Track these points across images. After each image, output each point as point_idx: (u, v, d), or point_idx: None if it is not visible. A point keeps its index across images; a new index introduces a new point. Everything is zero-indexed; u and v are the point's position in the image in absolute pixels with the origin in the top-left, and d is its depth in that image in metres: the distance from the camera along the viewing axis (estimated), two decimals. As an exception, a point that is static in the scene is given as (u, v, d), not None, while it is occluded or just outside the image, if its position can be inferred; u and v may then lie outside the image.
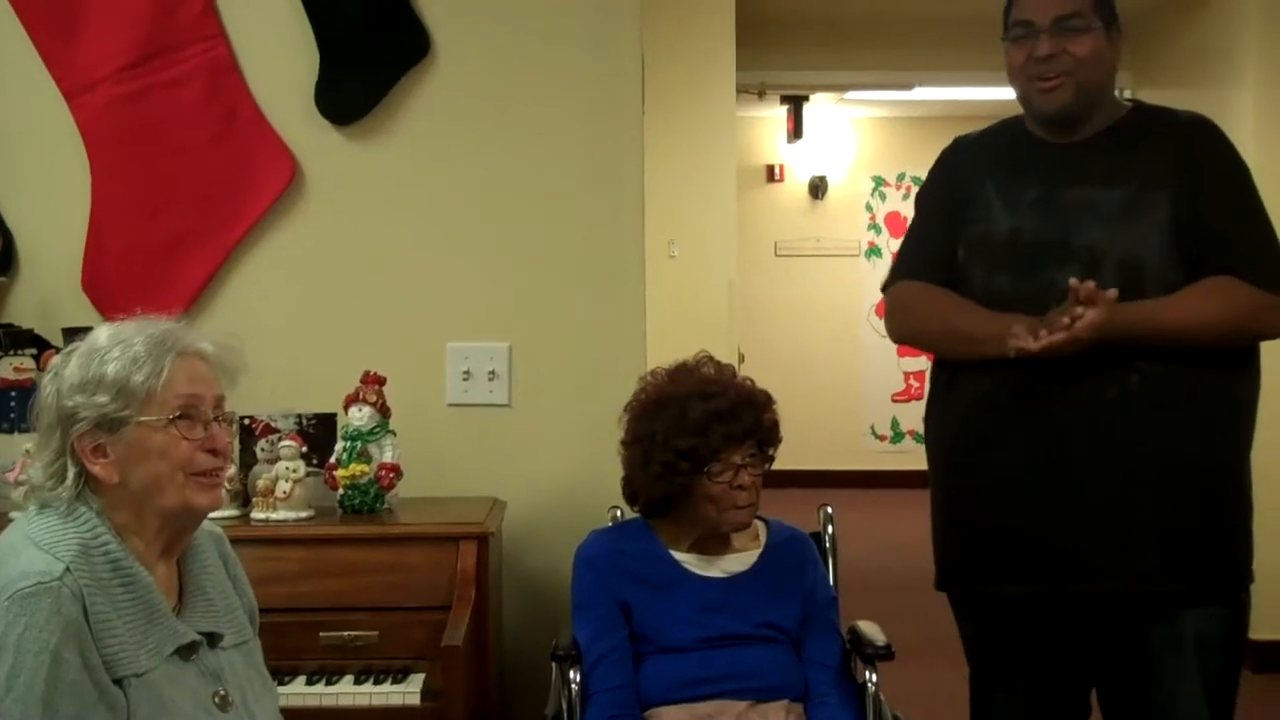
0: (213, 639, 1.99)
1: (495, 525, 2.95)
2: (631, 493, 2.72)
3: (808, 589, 2.70)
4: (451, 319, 3.29)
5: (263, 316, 3.23)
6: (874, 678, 2.63)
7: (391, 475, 2.96)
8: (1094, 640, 2.54)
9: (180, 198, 3.24)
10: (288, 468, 2.90)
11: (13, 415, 3.11)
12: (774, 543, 2.74)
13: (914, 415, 9.80)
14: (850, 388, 10.41)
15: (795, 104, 9.48)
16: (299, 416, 3.07)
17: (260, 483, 2.91)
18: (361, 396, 2.99)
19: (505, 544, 3.15)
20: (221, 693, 1.96)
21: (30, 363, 3.11)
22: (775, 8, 6.84)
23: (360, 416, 2.97)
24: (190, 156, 3.23)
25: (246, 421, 3.02)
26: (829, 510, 2.96)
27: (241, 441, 3.01)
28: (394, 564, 2.77)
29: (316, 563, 2.77)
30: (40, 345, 3.15)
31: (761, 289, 9.95)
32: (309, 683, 2.64)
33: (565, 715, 2.59)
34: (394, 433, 3.00)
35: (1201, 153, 2.52)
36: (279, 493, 2.88)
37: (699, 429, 2.57)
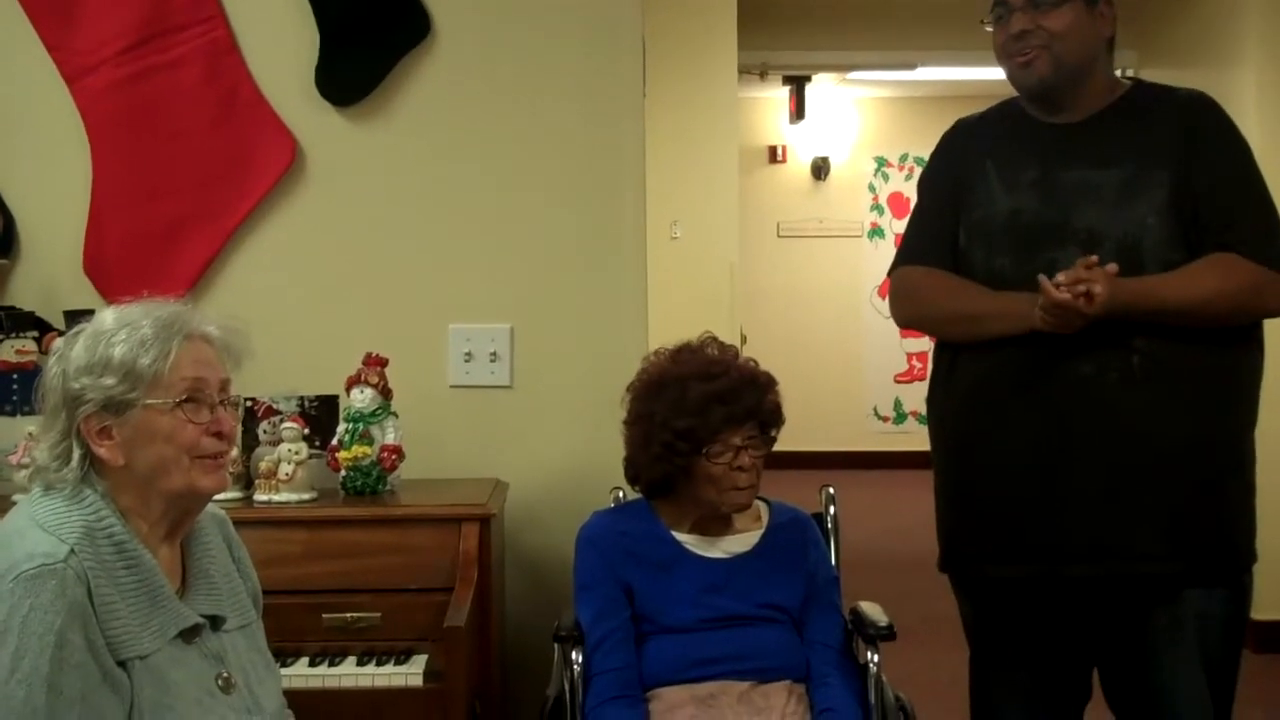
0: (216, 622, 2.00)
1: (497, 507, 2.95)
2: (633, 473, 2.73)
3: (810, 570, 2.71)
4: (453, 301, 3.29)
5: (264, 298, 3.23)
6: (875, 658, 2.63)
7: (394, 457, 2.96)
8: (1095, 621, 2.55)
9: (181, 180, 3.24)
10: (290, 450, 2.90)
11: (14, 398, 3.11)
12: (776, 523, 2.74)
13: (916, 396, 9.80)
14: (853, 369, 10.41)
15: (797, 84, 9.46)
16: (301, 398, 3.07)
17: (263, 465, 2.91)
18: (363, 378, 2.99)
19: (507, 525, 3.15)
20: (224, 675, 1.97)
21: (31, 345, 3.11)
22: (777, -12, 6.83)
23: (362, 398, 2.97)
24: (191, 139, 3.23)
25: (249, 403, 3.02)
26: (831, 491, 2.96)
27: (244, 424, 3.01)
28: (396, 545, 2.77)
29: (319, 544, 2.77)
30: (42, 328, 3.15)
31: (764, 270, 9.95)
32: (312, 664, 2.64)
33: (567, 696, 2.60)
34: (396, 414, 3.00)
35: (1202, 130, 2.51)
36: (281, 475, 2.88)
37: (698, 410, 2.57)
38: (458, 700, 2.59)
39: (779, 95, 9.74)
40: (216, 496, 2.06)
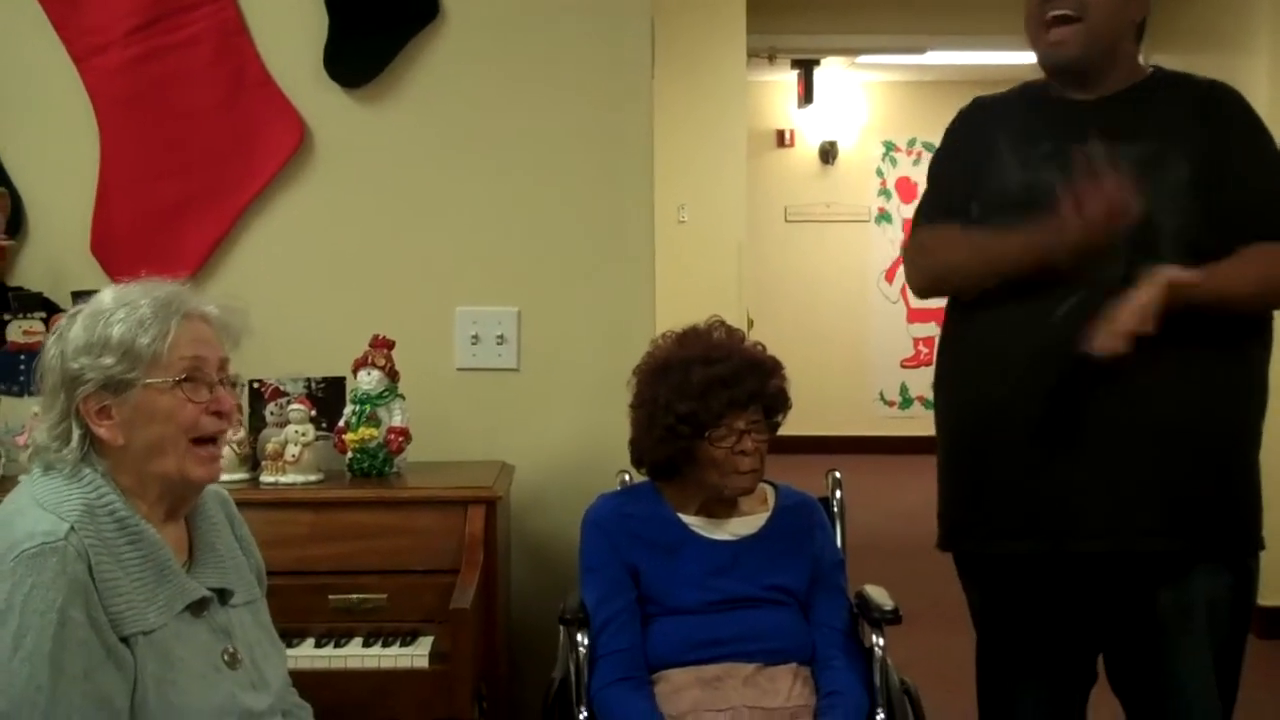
0: (223, 595, 2.01)
1: (504, 489, 2.95)
2: (638, 456, 2.73)
3: (816, 553, 2.71)
4: (460, 283, 3.28)
5: (271, 280, 3.23)
6: (881, 642, 2.64)
7: (400, 439, 2.97)
8: (1101, 604, 2.54)
9: (189, 161, 3.23)
10: (297, 431, 2.90)
11: (22, 378, 3.12)
12: (782, 507, 2.75)
13: (923, 381, 9.80)
14: (859, 353, 10.41)
15: (806, 68, 9.45)
16: (308, 380, 3.07)
17: (269, 446, 2.91)
18: (370, 360, 2.99)
19: (514, 508, 3.16)
20: (231, 650, 1.97)
21: (39, 326, 3.11)
22: (786, -29, 6.81)
23: (369, 380, 2.98)
24: (199, 119, 3.23)
25: (256, 385, 3.03)
26: (837, 475, 2.96)
27: (251, 405, 3.02)
28: (403, 527, 2.78)
29: (325, 526, 2.78)
30: (49, 308, 3.15)
31: (771, 254, 9.94)
32: (318, 645, 2.65)
33: (573, 677, 2.60)
34: (403, 396, 3.01)
35: (1231, 120, 2.51)
36: (288, 456, 2.89)
37: (699, 394, 2.57)
38: (463, 682, 2.60)
39: (787, 79, 9.72)
40: (224, 477, 2.07)
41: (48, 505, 1.85)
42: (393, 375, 3.00)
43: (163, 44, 3.21)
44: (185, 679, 1.88)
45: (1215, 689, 2.50)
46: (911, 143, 10.31)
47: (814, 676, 2.61)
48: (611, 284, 3.28)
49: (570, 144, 3.27)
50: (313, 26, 3.23)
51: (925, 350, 10.16)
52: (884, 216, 10.43)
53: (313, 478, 2.90)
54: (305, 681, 2.24)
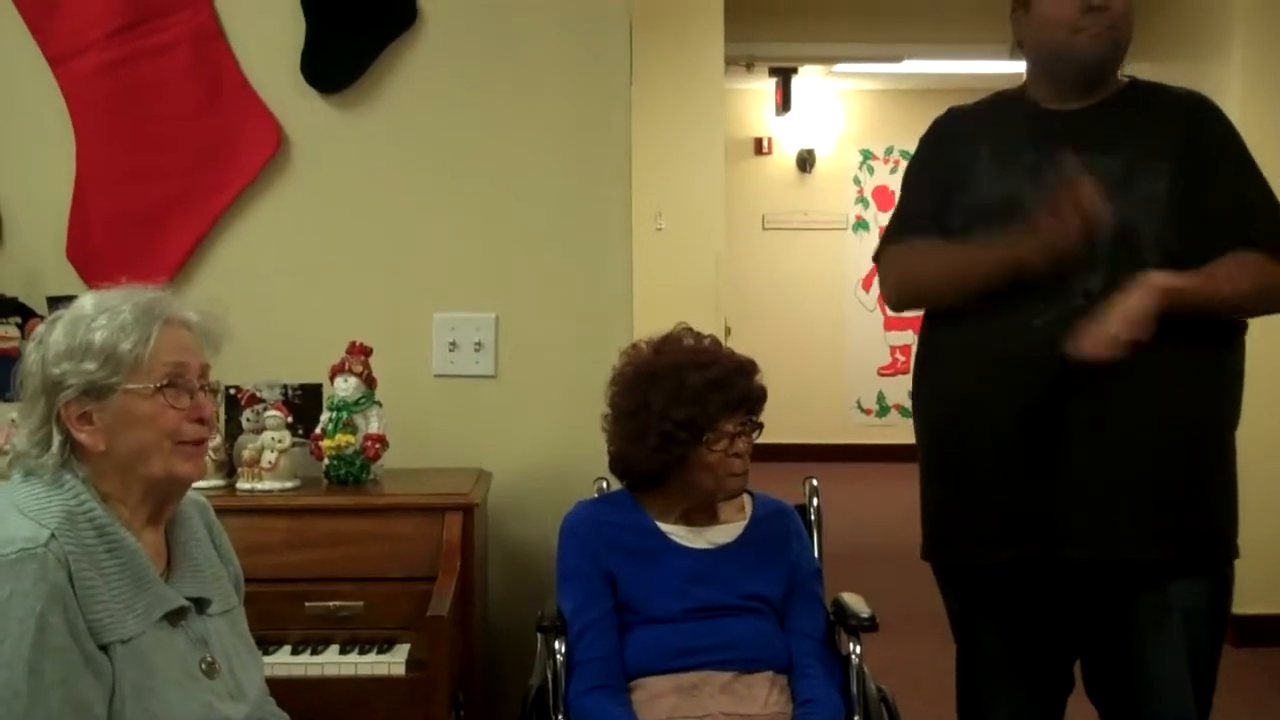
0: (200, 605, 2.00)
1: (481, 496, 2.95)
2: (624, 467, 2.72)
3: (792, 561, 2.71)
4: (438, 290, 3.28)
5: (248, 286, 3.22)
6: (858, 649, 2.64)
7: (377, 446, 2.96)
8: (1081, 611, 2.55)
9: (166, 165, 3.22)
10: (273, 438, 2.90)
11: (-3, 384, 3.10)
12: (759, 515, 2.75)
13: (900, 389, 9.83)
14: (836, 361, 10.43)
15: (784, 76, 9.48)
16: (285, 386, 3.06)
17: (246, 453, 2.90)
18: (347, 367, 2.98)
19: (491, 515, 3.15)
20: (209, 659, 1.97)
21: (14, 331, 3.09)
22: (764, -21, 6.83)
23: (346, 387, 2.97)
24: (176, 124, 3.22)
25: (232, 391, 3.01)
26: (814, 483, 2.96)
27: (227, 411, 3.00)
28: (379, 534, 2.77)
29: (302, 533, 2.77)
30: (25, 314, 3.13)
31: (749, 262, 9.94)
32: (294, 653, 2.64)
33: (550, 685, 2.60)
34: (380, 403, 3.00)
35: (1212, 132, 2.54)
36: (264, 463, 2.88)
37: (696, 399, 2.58)
38: (440, 689, 2.59)
39: (765, 87, 9.74)
40: (199, 484, 2.06)
41: (28, 511, 1.84)
42: (370, 382, 2.99)
43: (140, 48, 3.20)
44: (163, 688, 1.87)
45: (1191, 694, 2.51)
46: (889, 151, 10.34)
47: (790, 684, 2.61)
48: (589, 291, 3.28)
49: (548, 151, 3.27)
50: (290, 31, 3.22)
51: (902, 358, 10.18)
52: (861, 224, 10.45)
53: (289, 484, 2.89)
54: (282, 689, 2.22)
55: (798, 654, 2.64)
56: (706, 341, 2.71)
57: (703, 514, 2.70)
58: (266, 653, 2.52)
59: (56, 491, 1.87)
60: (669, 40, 6.29)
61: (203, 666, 1.95)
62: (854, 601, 2.72)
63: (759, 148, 10.41)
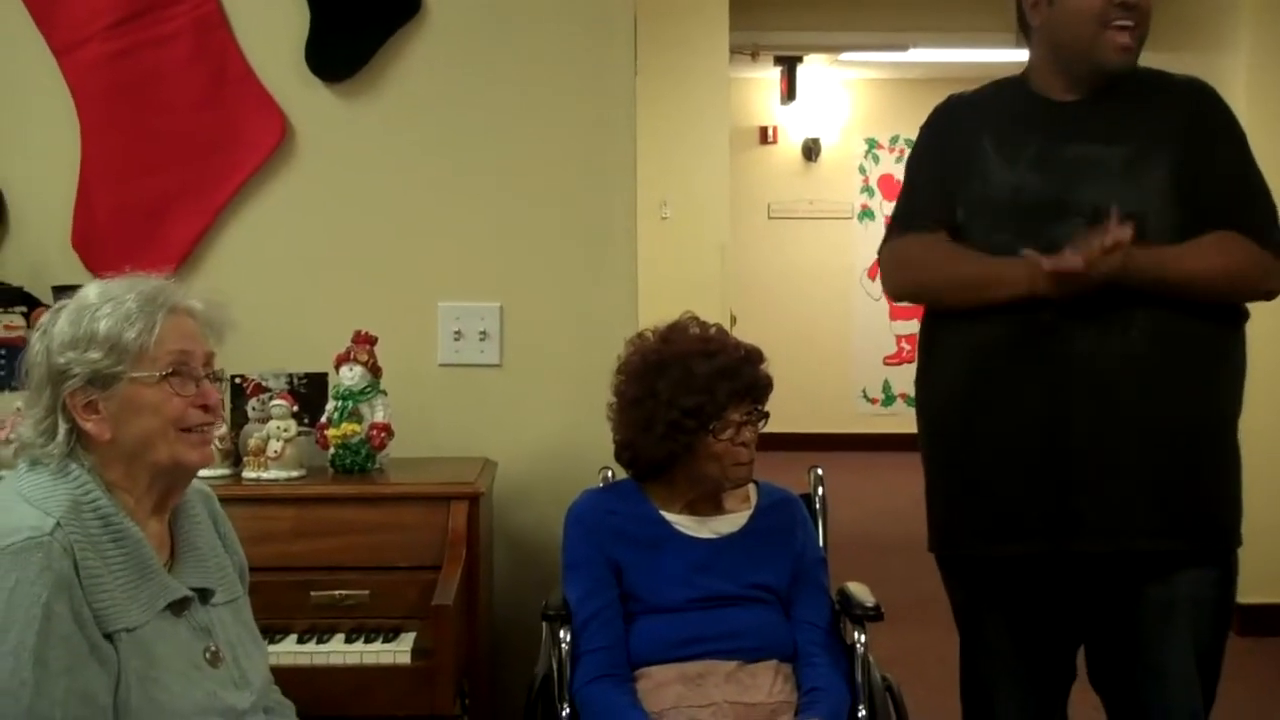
0: (204, 595, 2.01)
1: (486, 485, 2.95)
2: (630, 456, 2.71)
3: (797, 550, 2.71)
4: (443, 279, 3.28)
5: (253, 275, 3.22)
6: (863, 639, 2.64)
7: (383, 435, 2.96)
8: (1086, 601, 2.55)
9: (170, 155, 3.22)
10: (279, 427, 2.90)
11: (2, 373, 3.10)
12: (764, 504, 2.75)
13: (905, 378, 9.80)
14: (842, 350, 10.42)
15: (789, 65, 9.45)
16: (290, 376, 3.06)
17: (251, 442, 2.91)
18: (353, 356, 2.98)
19: (496, 504, 3.15)
20: (212, 648, 1.97)
21: (20, 320, 3.10)
22: (769, -31, 6.82)
23: (351, 376, 2.97)
24: (180, 114, 3.22)
25: (238, 381, 3.02)
26: (819, 472, 2.96)
27: (233, 401, 3.01)
28: (385, 524, 2.77)
29: (308, 522, 2.77)
30: (30, 303, 3.13)
31: (754, 251, 9.93)
32: (300, 641, 2.64)
33: (555, 674, 2.60)
34: (385, 392, 3.00)
35: (1212, 118, 2.54)
36: (270, 452, 2.88)
37: (704, 387, 2.57)
38: (445, 678, 2.60)
39: (770, 76, 9.72)
40: (204, 472, 2.07)
41: (34, 500, 1.85)
42: (375, 371, 3.00)
43: (144, 38, 3.20)
44: (167, 676, 1.88)
45: (1197, 681, 2.51)
46: (894, 140, 10.33)
47: (796, 673, 2.61)
48: (595, 280, 3.28)
49: (553, 140, 3.27)
50: (294, 21, 3.22)
51: (908, 348, 10.17)
52: (867, 213, 10.44)
53: (295, 474, 2.89)
54: (287, 678, 2.23)
55: (803, 643, 2.64)
56: (713, 330, 2.71)
57: (708, 503, 2.70)
58: (272, 641, 2.53)
59: (62, 480, 1.88)
60: (674, 29, 6.28)
61: (206, 656, 1.96)
62: (859, 591, 2.72)
63: (764, 137, 10.40)
